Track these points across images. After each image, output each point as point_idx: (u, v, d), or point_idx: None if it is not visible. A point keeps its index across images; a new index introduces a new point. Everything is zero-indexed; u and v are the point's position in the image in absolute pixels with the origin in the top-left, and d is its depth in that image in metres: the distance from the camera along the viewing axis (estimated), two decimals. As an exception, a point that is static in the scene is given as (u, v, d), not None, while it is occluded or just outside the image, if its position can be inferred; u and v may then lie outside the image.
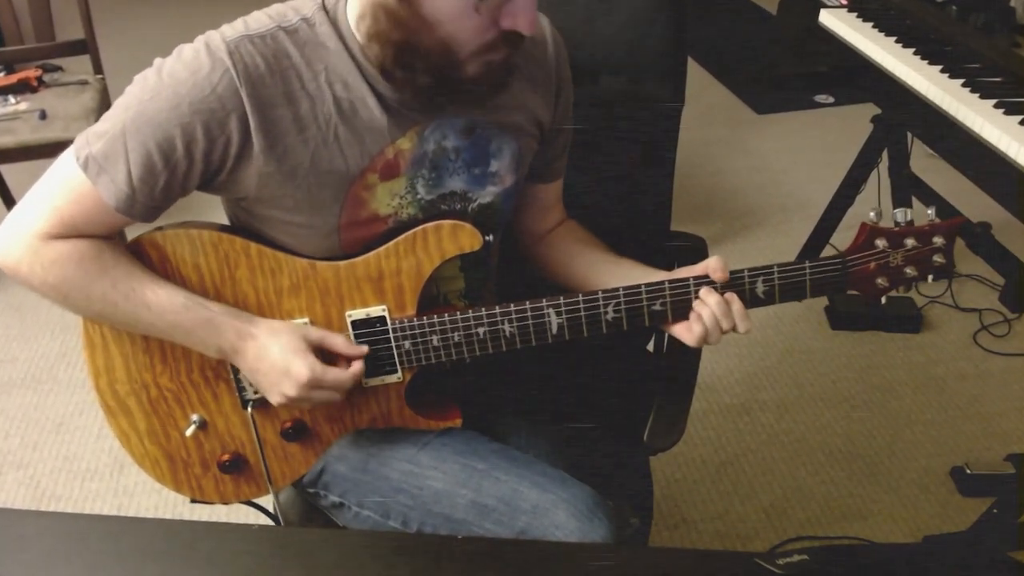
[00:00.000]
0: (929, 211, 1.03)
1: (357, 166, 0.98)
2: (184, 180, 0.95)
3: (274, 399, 1.00)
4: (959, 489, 1.91)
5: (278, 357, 0.98)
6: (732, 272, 1.03)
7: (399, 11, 0.89)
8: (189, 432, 1.07)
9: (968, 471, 1.91)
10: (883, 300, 1.05)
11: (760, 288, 1.03)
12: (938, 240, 1.02)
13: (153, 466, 1.10)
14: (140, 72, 0.95)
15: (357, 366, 1.01)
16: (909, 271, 1.03)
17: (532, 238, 1.24)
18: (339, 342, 1.01)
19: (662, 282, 1.02)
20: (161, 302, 0.97)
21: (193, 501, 1.14)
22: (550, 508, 1.01)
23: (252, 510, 1.22)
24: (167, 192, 0.95)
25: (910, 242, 1.02)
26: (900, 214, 1.03)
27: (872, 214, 1.03)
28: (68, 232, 0.95)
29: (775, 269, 1.02)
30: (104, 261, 0.97)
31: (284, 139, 0.95)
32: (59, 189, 0.95)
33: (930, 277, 1.04)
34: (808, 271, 1.03)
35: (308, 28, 0.95)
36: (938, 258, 1.03)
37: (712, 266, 1.02)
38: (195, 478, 1.11)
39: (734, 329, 1.03)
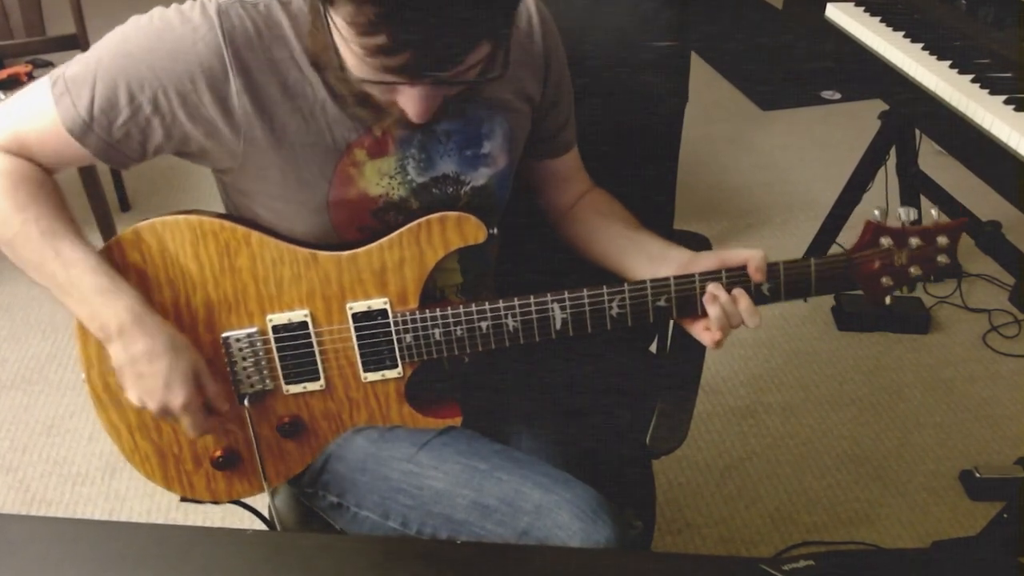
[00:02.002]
0: (933, 211, 1.04)
1: (343, 139, 0.99)
2: (146, 128, 0.95)
3: (129, 392, 0.99)
4: (968, 493, 1.91)
5: (163, 370, 0.96)
6: (737, 270, 1.03)
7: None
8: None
9: (978, 475, 1.91)
10: (887, 301, 1.06)
11: (765, 285, 1.03)
12: (942, 240, 1.03)
13: (143, 462, 1.10)
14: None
15: (214, 420, 1.02)
16: (913, 270, 1.04)
17: (557, 214, 1.23)
18: (214, 389, 1.01)
19: (667, 278, 1.03)
20: (72, 254, 0.95)
21: (183, 499, 1.14)
22: (553, 509, 1.01)
23: (248, 513, 1.22)
24: (126, 134, 0.95)
25: (915, 241, 1.03)
26: (905, 213, 1.04)
27: (877, 212, 1.04)
28: (18, 150, 0.97)
29: (780, 266, 1.03)
30: (41, 193, 0.97)
31: (271, 104, 0.95)
32: (22, 104, 0.97)
33: (932, 277, 1.05)
34: (813, 268, 1.03)
35: (301, 1, 0.96)
36: (942, 258, 1.04)
37: (756, 264, 1.02)
38: (186, 475, 1.11)
39: (743, 324, 1.03)
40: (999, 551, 1.67)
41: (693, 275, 1.03)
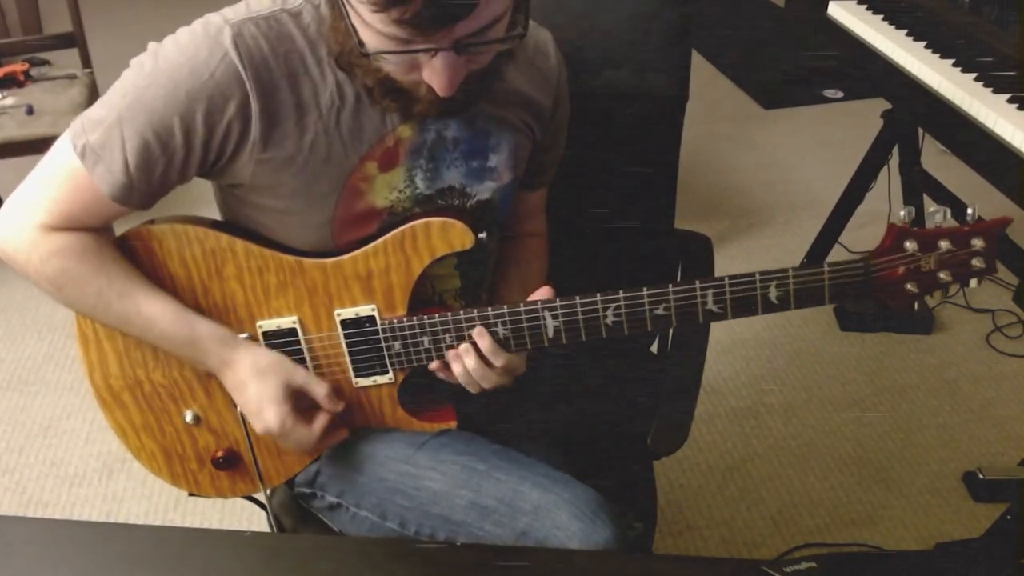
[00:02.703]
0: (969, 209, 0.96)
1: (356, 153, 0.99)
2: (182, 168, 0.95)
3: (255, 427, 1.05)
4: (972, 495, 1.91)
5: (252, 398, 1.01)
6: (743, 275, 0.98)
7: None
8: (188, 420, 1.09)
9: (981, 476, 1.91)
10: (915, 306, 0.98)
11: (773, 293, 0.98)
12: (978, 243, 0.94)
13: (149, 459, 1.12)
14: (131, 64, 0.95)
15: (318, 424, 1.04)
16: (943, 276, 0.95)
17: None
18: (320, 393, 1.03)
19: (666, 285, 1.00)
20: (152, 312, 0.99)
21: (191, 494, 1.16)
22: (552, 509, 1.01)
23: (246, 515, 1.23)
24: (164, 180, 0.96)
25: (944, 244, 0.94)
26: (940, 214, 0.95)
27: (902, 213, 0.96)
28: (68, 224, 0.97)
29: (790, 273, 0.97)
30: (104, 257, 0.98)
31: (284, 124, 0.95)
32: (57, 179, 0.96)
33: (973, 282, 0.97)
34: (827, 276, 0.97)
35: (312, 10, 0.96)
36: (977, 262, 0.95)
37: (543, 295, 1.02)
38: (191, 473, 1.13)
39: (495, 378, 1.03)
40: (1003, 553, 1.67)
41: (694, 284, 0.99)
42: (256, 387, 1.01)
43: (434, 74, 0.87)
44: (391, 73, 0.90)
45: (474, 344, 1.02)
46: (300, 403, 1.04)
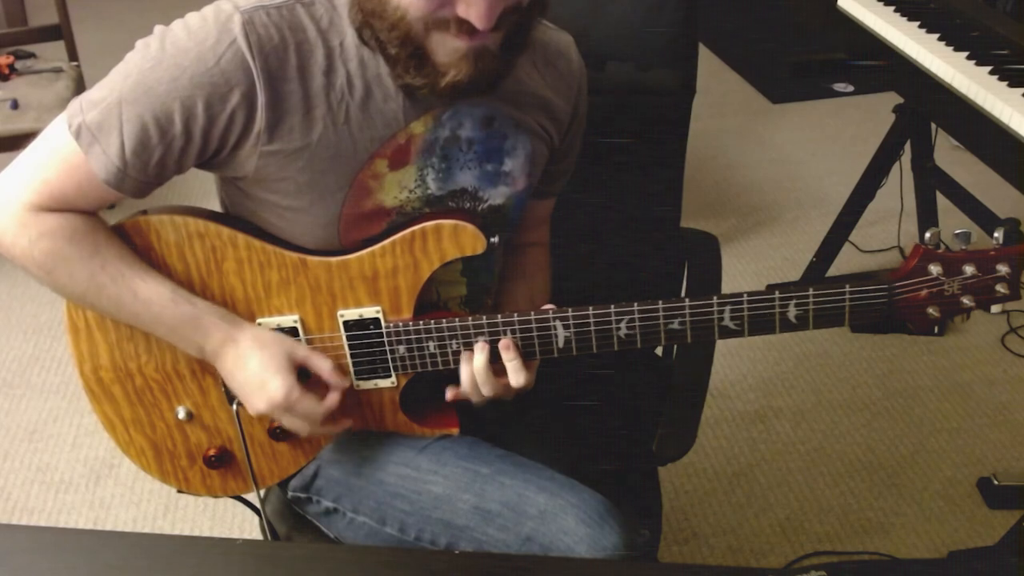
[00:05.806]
0: (996, 234, 0.96)
1: (366, 150, 0.98)
2: (180, 157, 0.95)
3: (248, 409, 1.03)
4: (986, 501, 1.91)
5: (255, 370, 1.00)
6: (761, 294, 0.98)
7: None
8: (180, 416, 1.08)
9: (996, 482, 1.91)
10: (936, 330, 1.02)
11: (792, 312, 0.98)
12: (1003, 268, 0.95)
13: (138, 455, 1.11)
14: (117, 61, 0.95)
15: (331, 400, 1.02)
16: (966, 301, 0.96)
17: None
18: (323, 367, 1.02)
19: (683, 299, 1.00)
20: (148, 291, 0.98)
21: (180, 491, 1.16)
22: (558, 513, 1.01)
23: (237, 522, 1.22)
24: (161, 168, 0.96)
25: (969, 269, 0.95)
26: (963, 237, 0.97)
27: (928, 235, 0.96)
28: (59, 205, 0.96)
29: (810, 293, 0.97)
30: (97, 240, 0.98)
31: (291, 116, 0.95)
32: (50, 158, 0.96)
33: (993, 308, 0.99)
34: (848, 297, 0.97)
35: (325, 1, 0.96)
36: (1002, 288, 0.95)
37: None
38: (181, 470, 1.12)
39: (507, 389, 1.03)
40: (1018, 561, 1.67)
41: (711, 299, 0.99)
42: (259, 357, 1.00)
43: (472, 8, 0.85)
44: (420, 16, 0.88)
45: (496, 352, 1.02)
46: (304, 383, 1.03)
